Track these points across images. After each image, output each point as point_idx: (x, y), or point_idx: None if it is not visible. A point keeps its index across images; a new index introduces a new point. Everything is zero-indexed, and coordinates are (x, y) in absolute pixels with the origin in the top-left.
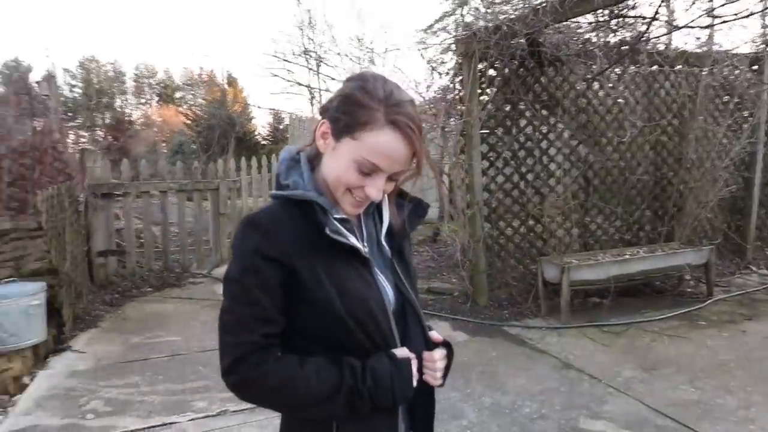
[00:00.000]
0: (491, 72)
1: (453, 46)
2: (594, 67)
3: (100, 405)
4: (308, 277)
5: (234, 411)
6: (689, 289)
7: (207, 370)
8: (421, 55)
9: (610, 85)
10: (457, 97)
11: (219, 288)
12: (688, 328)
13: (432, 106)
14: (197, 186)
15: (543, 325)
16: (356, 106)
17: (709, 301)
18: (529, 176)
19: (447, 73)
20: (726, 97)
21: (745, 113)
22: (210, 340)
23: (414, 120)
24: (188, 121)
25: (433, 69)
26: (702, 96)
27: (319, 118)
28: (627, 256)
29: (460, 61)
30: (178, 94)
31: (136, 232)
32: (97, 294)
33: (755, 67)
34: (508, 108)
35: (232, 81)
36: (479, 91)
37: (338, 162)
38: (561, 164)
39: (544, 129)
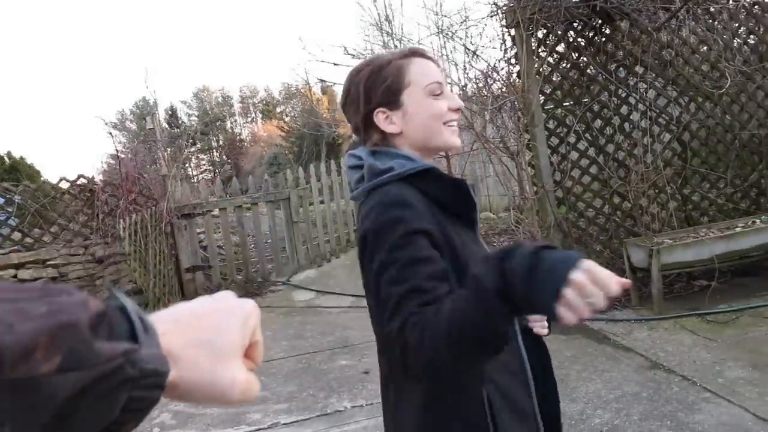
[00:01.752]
0: (551, 39)
1: (499, 17)
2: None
3: (167, 418)
4: (444, 243)
5: (285, 423)
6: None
7: (268, 380)
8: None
9: (701, 28)
10: (513, 72)
11: (296, 294)
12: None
13: (483, 85)
14: (269, 198)
15: (632, 317)
16: (385, 74)
17: None
18: (609, 148)
19: (501, 48)
20: None
21: None
22: (276, 348)
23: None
24: (282, 133)
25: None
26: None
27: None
28: (738, 229)
29: (512, 33)
30: (279, 109)
31: (220, 248)
32: None
33: None
34: (575, 75)
35: (326, 89)
36: (538, 60)
37: (417, 112)
38: (647, 129)
39: (623, 93)
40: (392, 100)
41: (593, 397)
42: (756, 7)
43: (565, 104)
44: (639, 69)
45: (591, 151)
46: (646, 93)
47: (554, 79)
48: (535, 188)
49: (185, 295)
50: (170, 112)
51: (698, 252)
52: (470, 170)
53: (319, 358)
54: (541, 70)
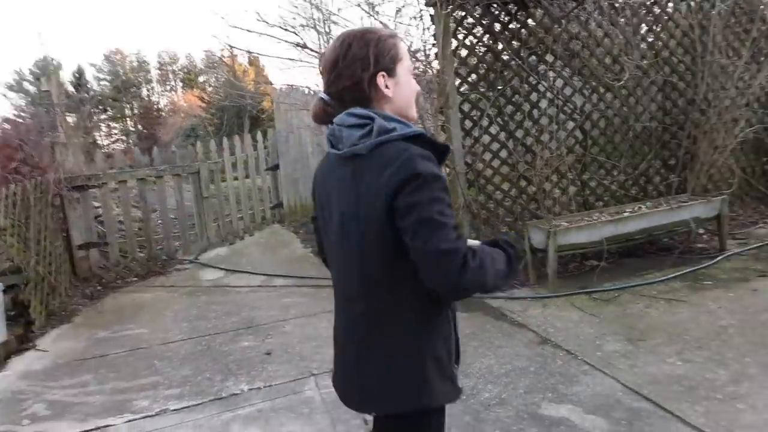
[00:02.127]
0: (469, 20)
1: None
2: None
3: (41, 409)
4: None
5: (174, 410)
6: (701, 245)
7: (162, 364)
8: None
9: (607, 21)
10: (431, 52)
11: (204, 273)
12: (690, 289)
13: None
14: (176, 171)
15: (529, 295)
16: (389, 45)
17: (720, 257)
18: (519, 133)
19: (420, 27)
20: (747, 23)
21: None
22: (176, 330)
23: None
24: (202, 104)
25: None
26: (717, 24)
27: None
28: (626, 214)
29: (430, 12)
30: (201, 78)
31: (120, 223)
32: (79, 287)
33: None
34: (490, 59)
35: (253, 60)
36: (455, 41)
37: (405, 83)
38: (554, 117)
39: (533, 80)
40: (391, 68)
41: (485, 372)
42: (655, 6)
43: (480, 88)
44: (549, 58)
45: (502, 136)
46: (554, 82)
47: (470, 62)
48: (447, 170)
49: (77, 273)
50: (77, 75)
51: (590, 234)
52: None
53: (220, 339)
54: (458, 51)
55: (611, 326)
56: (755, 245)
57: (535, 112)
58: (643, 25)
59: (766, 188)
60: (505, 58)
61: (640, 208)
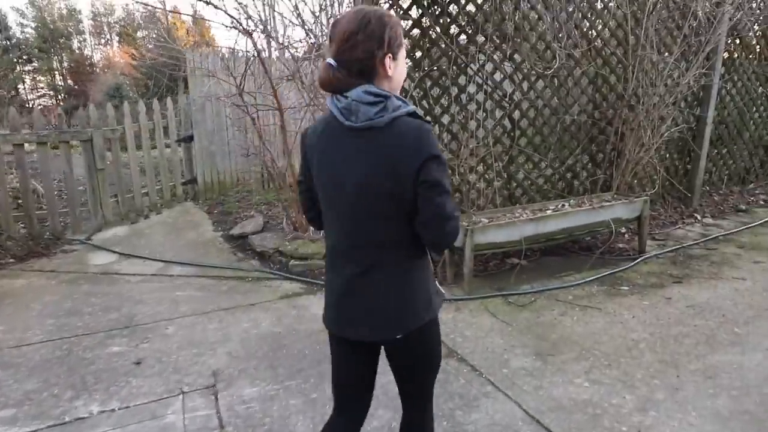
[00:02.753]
0: None
1: None
2: None
3: None
4: None
5: None
6: (622, 245)
7: (5, 374)
8: None
9: (541, 4)
10: None
11: (94, 257)
12: (606, 295)
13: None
14: (63, 137)
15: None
16: (399, 32)
17: (639, 260)
18: (445, 119)
19: None
20: (680, 19)
21: (702, 39)
22: (38, 329)
23: None
24: (133, 62)
25: None
26: (650, 18)
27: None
28: (548, 212)
29: None
30: (139, 34)
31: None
32: None
33: None
34: (417, 35)
35: (198, 20)
36: None
37: (401, 67)
38: (482, 104)
39: (462, 62)
40: (396, 51)
41: (380, 393)
42: None
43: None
44: (480, 38)
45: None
46: (484, 65)
47: None
48: None
49: None
50: None
51: (509, 233)
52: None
53: (87, 342)
54: None
55: (522, 337)
56: (672, 248)
57: (463, 97)
58: (578, 11)
59: (687, 188)
60: (433, 35)
61: (563, 206)
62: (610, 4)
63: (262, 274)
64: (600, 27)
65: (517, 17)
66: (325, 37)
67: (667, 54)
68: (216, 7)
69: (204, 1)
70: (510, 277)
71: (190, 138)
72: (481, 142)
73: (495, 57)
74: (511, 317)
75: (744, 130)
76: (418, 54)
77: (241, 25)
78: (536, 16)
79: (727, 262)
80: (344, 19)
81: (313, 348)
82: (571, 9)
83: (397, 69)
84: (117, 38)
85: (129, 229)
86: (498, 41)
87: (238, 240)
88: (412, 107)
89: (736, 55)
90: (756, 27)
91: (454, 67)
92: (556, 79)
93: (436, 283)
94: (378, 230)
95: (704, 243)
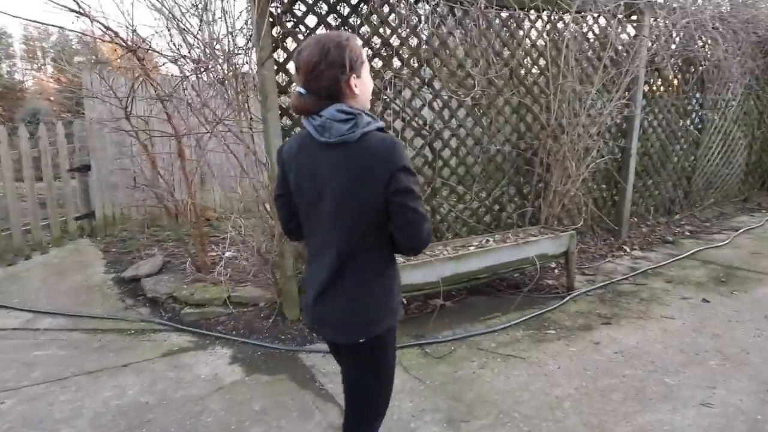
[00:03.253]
0: (302, 7)
1: None
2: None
3: None
4: None
5: None
6: (551, 281)
7: None
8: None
9: (461, 30)
10: (243, 43)
11: None
12: (531, 341)
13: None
14: None
15: None
16: (359, 50)
17: (568, 298)
18: None
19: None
20: (600, 50)
21: (623, 70)
22: None
23: None
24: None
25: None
26: (571, 48)
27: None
28: (471, 249)
29: None
30: (77, 59)
31: None
32: None
33: (634, 17)
34: None
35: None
36: (279, 28)
37: (367, 83)
38: (399, 132)
39: (377, 87)
40: (359, 69)
41: None
42: (511, 20)
43: None
44: (396, 63)
45: None
46: (401, 92)
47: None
48: (258, 193)
49: None
50: None
51: (427, 273)
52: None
53: None
54: (284, 43)
55: (436, 397)
56: (602, 284)
57: None
58: (498, 38)
59: (615, 220)
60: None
61: (487, 241)
62: (531, 32)
63: (148, 325)
64: (522, 55)
65: (435, 42)
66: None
67: (589, 84)
68: (92, 19)
69: (76, 13)
70: (423, 323)
71: (87, 167)
72: None
73: (413, 83)
74: (425, 372)
75: (667, 162)
76: None
77: (121, 39)
78: (455, 42)
79: (656, 299)
80: (306, 51)
81: (182, 425)
82: (490, 35)
83: (363, 85)
84: (52, 63)
85: (2, 272)
86: (415, 66)
87: (130, 284)
88: (380, 123)
89: (655, 88)
90: (672, 60)
91: None
92: (478, 108)
93: (401, 293)
94: (351, 239)
95: (633, 277)
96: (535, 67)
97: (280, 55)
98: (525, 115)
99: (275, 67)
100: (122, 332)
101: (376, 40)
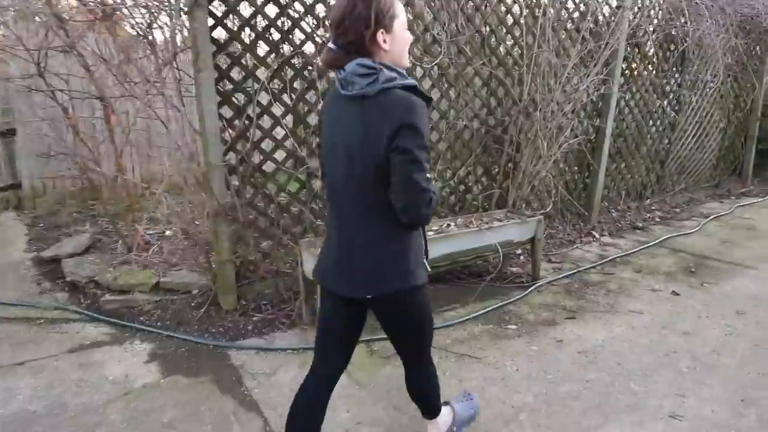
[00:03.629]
0: None
1: None
2: None
3: None
4: None
5: None
6: (516, 269)
7: None
8: None
9: None
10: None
11: None
12: (490, 337)
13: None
14: None
15: (291, 345)
16: (388, 5)
17: (532, 288)
18: (312, 119)
19: None
20: (580, 21)
21: (602, 43)
22: None
23: None
24: None
25: None
26: (549, 17)
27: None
28: (430, 235)
29: None
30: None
31: None
32: None
33: None
34: (276, 10)
35: None
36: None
37: (400, 38)
38: None
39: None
40: (389, 25)
41: None
42: None
43: (258, 50)
44: None
45: (289, 120)
46: None
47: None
48: (195, 164)
49: None
50: None
51: None
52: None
53: None
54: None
55: (375, 407)
56: (568, 273)
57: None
58: (471, 1)
59: (585, 204)
60: (294, 15)
61: (449, 225)
62: (515, 6)
63: (62, 313)
64: (496, 22)
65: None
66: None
67: (566, 57)
68: None
69: None
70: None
71: (11, 132)
72: None
73: None
74: (369, 374)
75: (642, 144)
76: (276, 36)
77: None
78: (422, 2)
79: (625, 291)
80: (336, 5)
81: None
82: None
83: (395, 42)
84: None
85: None
86: None
87: (51, 264)
88: (410, 81)
89: (634, 65)
90: (653, 36)
91: (316, 63)
92: (445, 78)
93: (425, 258)
94: (364, 196)
95: (602, 266)
96: (509, 36)
97: (219, 9)
98: (496, 88)
99: (212, 21)
100: (31, 321)
101: None
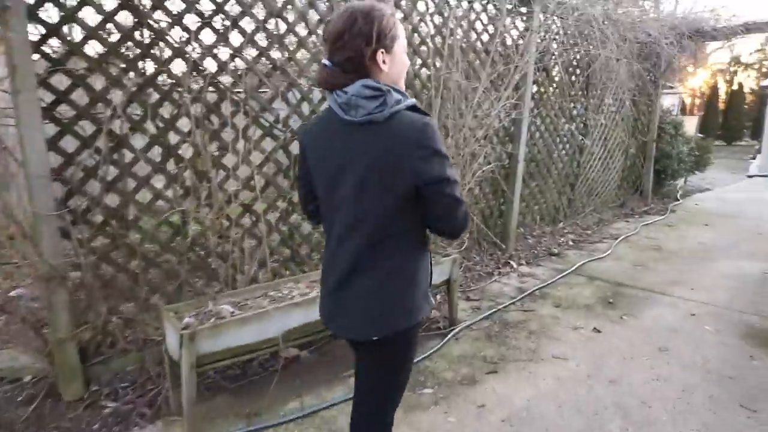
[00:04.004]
0: None
1: None
2: None
3: None
4: None
5: None
6: (434, 312)
7: None
8: None
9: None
10: None
11: None
12: (403, 410)
13: None
14: None
15: None
16: (390, 24)
17: (450, 336)
18: (189, 150)
19: None
20: (488, 44)
21: (512, 67)
22: None
23: None
24: None
25: None
26: (457, 37)
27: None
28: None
29: None
30: None
31: None
32: None
33: (524, 9)
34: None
35: None
36: None
37: (399, 61)
38: (240, 131)
39: (204, 68)
40: (390, 46)
41: None
42: None
43: (109, 66)
44: (236, 37)
45: (157, 152)
46: (242, 76)
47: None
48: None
49: None
50: None
51: (261, 330)
52: None
53: None
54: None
55: None
56: (488, 312)
57: (214, 119)
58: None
59: (502, 232)
60: (155, 25)
61: None
62: (412, 16)
63: None
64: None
65: (292, 14)
66: None
67: (476, 81)
68: None
69: None
70: (273, 385)
71: None
72: (242, 185)
73: (260, 66)
74: None
75: (552, 168)
76: (129, 47)
77: None
78: (317, 18)
79: (546, 331)
80: (334, 19)
81: None
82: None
83: (394, 63)
84: None
85: None
86: (269, 41)
87: None
88: (412, 101)
89: (542, 89)
90: (561, 60)
91: (196, 75)
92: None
93: (429, 289)
94: (374, 225)
95: (521, 301)
96: (417, 56)
97: (51, 14)
98: None
99: (33, 28)
100: None
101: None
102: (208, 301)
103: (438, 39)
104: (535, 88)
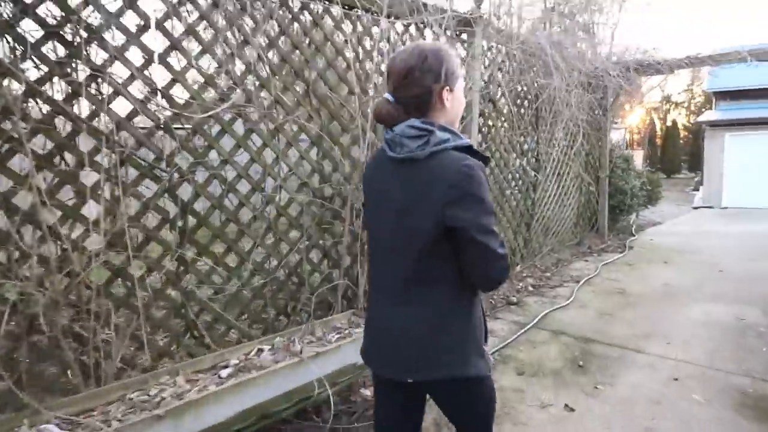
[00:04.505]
0: None
1: None
2: None
3: None
4: None
5: None
6: (370, 391)
7: None
8: None
9: (219, 14)
10: None
11: None
12: None
13: None
14: None
15: None
16: (456, 63)
17: None
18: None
19: None
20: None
21: None
22: None
23: None
24: None
25: None
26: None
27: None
28: (223, 378)
29: None
30: None
31: None
32: None
33: (464, 36)
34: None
35: None
36: None
37: (459, 99)
38: (113, 169)
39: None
40: (453, 84)
41: None
42: (304, 12)
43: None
44: (97, 56)
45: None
46: (107, 102)
47: None
48: None
49: None
50: None
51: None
52: None
53: None
54: None
55: None
56: None
57: (68, 156)
58: (285, 36)
59: None
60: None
61: (260, 351)
62: (336, 36)
63: None
64: (324, 65)
65: (179, 28)
66: None
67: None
68: None
69: None
70: None
71: None
72: (109, 234)
73: (138, 88)
74: None
75: (506, 207)
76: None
77: None
78: (219, 24)
79: (509, 412)
80: (402, 55)
81: None
82: (268, 27)
83: (455, 100)
84: None
85: None
86: (146, 61)
87: None
88: (465, 141)
89: (490, 122)
90: (507, 90)
91: (35, 100)
92: (255, 136)
93: (486, 345)
94: (413, 265)
95: None
96: (343, 84)
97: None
98: (330, 149)
99: None
100: None
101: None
102: (23, 419)
103: (368, 63)
104: (482, 120)
